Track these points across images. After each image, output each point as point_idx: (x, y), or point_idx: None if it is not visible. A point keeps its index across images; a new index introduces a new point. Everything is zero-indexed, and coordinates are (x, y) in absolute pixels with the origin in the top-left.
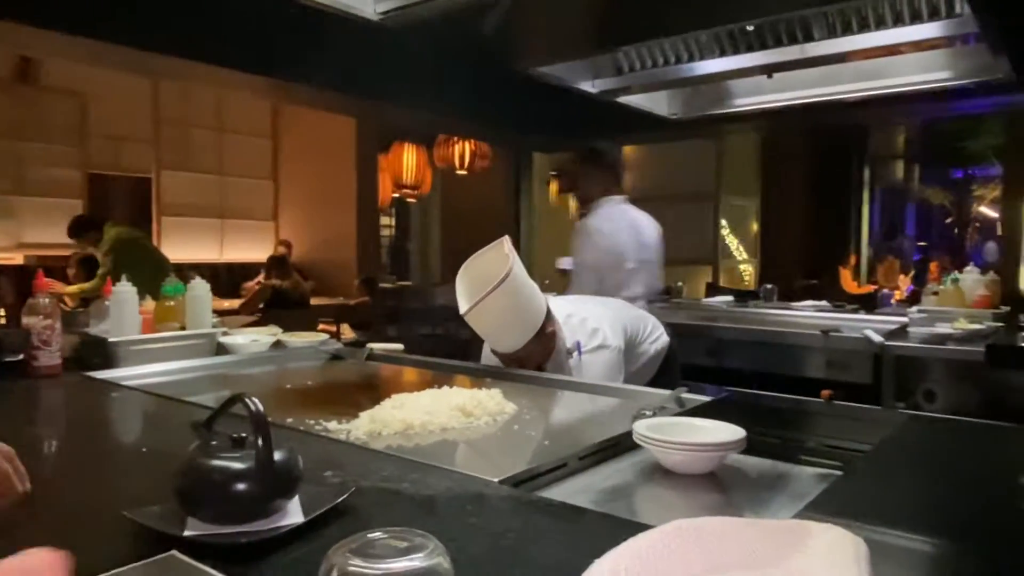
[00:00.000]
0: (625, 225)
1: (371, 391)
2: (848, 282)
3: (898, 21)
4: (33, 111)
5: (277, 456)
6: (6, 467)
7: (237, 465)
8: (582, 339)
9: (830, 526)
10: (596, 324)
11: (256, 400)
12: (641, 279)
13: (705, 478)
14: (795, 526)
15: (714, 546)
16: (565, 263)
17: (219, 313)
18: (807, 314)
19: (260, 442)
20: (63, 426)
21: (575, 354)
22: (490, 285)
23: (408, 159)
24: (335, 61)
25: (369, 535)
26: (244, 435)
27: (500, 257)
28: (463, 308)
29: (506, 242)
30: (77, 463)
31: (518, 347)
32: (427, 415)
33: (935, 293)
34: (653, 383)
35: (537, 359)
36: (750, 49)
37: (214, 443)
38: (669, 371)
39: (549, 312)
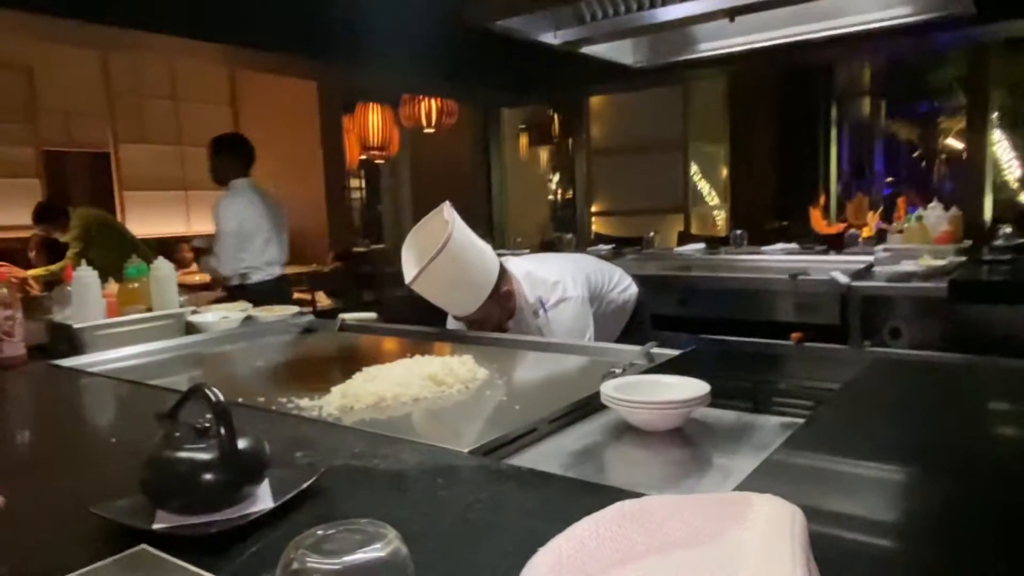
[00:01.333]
0: (256, 202)
1: (344, 364)
2: (818, 222)
3: None
4: None
5: (242, 443)
6: None
7: (202, 455)
8: (543, 295)
9: (770, 497)
10: (556, 277)
11: (216, 390)
12: (273, 249)
13: (672, 434)
14: (737, 498)
15: (656, 526)
16: (198, 241)
17: (191, 287)
18: (776, 258)
19: (223, 431)
20: (30, 418)
21: (540, 312)
22: (432, 252)
23: (374, 119)
24: (291, 23)
25: (319, 531)
26: (208, 424)
27: (441, 223)
28: (408, 278)
29: (446, 208)
30: (45, 456)
31: (472, 310)
32: (399, 387)
33: (900, 231)
34: (623, 335)
35: (496, 320)
36: None
37: (178, 434)
38: (638, 322)
39: (504, 272)
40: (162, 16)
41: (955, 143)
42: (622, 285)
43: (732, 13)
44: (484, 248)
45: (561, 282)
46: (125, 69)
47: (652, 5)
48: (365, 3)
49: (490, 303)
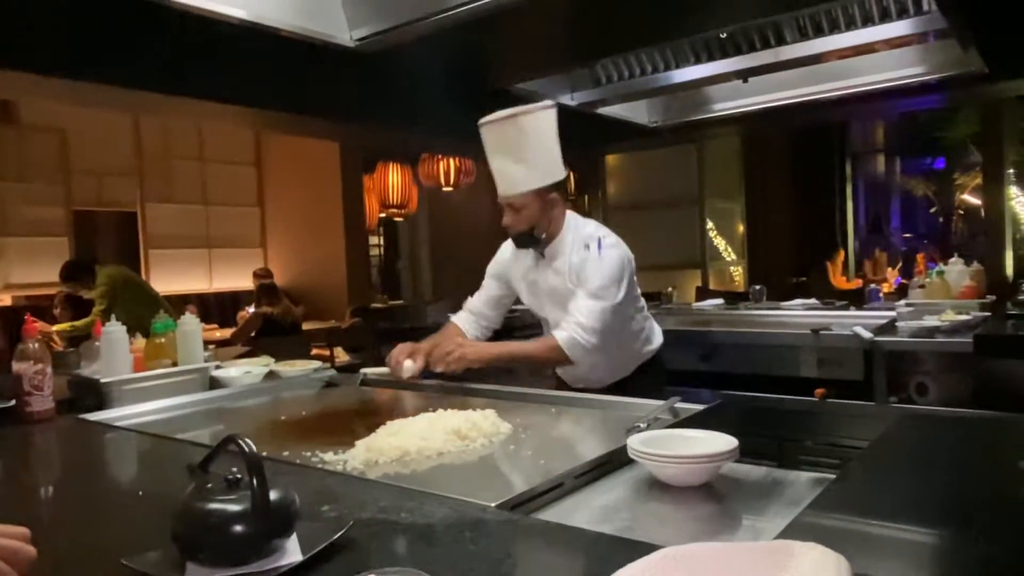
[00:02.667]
0: None
1: (366, 418)
2: (837, 277)
3: (868, 21)
4: (13, 150)
5: (273, 495)
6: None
7: (233, 507)
8: (603, 235)
9: (813, 545)
10: (617, 238)
11: (248, 441)
12: None
13: (701, 489)
14: (780, 547)
15: (702, 571)
16: None
17: (212, 343)
18: (797, 313)
19: (255, 483)
20: (59, 471)
21: (594, 245)
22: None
23: (393, 179)
24: (315, 88)
25: None
26: (239, 475)
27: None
28: (486, 119)
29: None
30: (74, 509)
31: (519, 191)
32: (423, 440)
33: (921, 286)
34: (639, 385)
35: (530, 222)
36: (725, 55)
37: (209, 485)
38: (654, 381)
39: (561, 188)
40: (191, 81)
41: (971, 199)
42: (646, 324)
43: (745, 74)
44: (558, 156)
45: (620, 240)
46: (155, 131)
47: (666, 67)
48: (387, 67)
49: (536, 199)
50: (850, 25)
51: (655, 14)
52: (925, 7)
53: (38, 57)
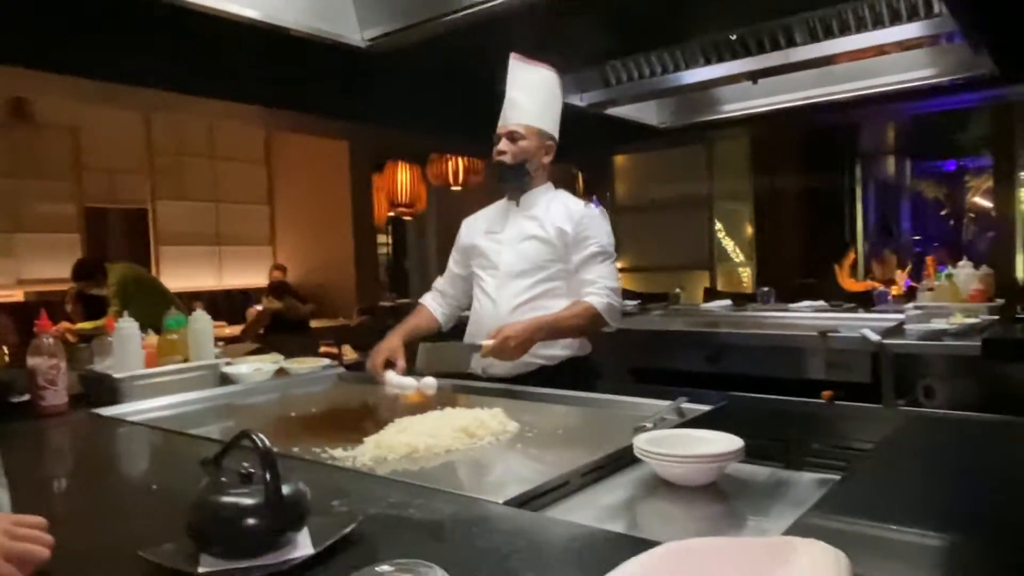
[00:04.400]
0: None
1: (375, 415)
2: (845, 279)
3: (878, 23)
4: (28, 148)
5: (285, 490)
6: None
7: (247, 500)
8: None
9: (813, 541)
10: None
11: (263, 436)
12: None
13: (706, 489)
14: (781, 543)
15: (703, 566)
16: None
17: (221, 340)
18: (805, 315)
19: (268, 477)
20: (73, 465)
21: (589, 205)
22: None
23: (402, 177)
24: (325, 88)
25: (377, 568)
26: (252, 470)
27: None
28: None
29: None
30: (89, 502)
31: (528, 122)
32: (431, 438)
33: (930, 289)
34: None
35: (528, 153)
36: (734, 56)
37: (223, 479)
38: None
39: (555, 147)
40: (202, 80)
41: (983, 201)
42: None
43: (755, 76)
44: (558, 122)
45: None
46: (167, 129)
47: (676, 68)
48: (397, 66)
49: (537, 137)
50: (860, 27)
51: (665, 16)
52: (936, 10)
53: (52, 55)
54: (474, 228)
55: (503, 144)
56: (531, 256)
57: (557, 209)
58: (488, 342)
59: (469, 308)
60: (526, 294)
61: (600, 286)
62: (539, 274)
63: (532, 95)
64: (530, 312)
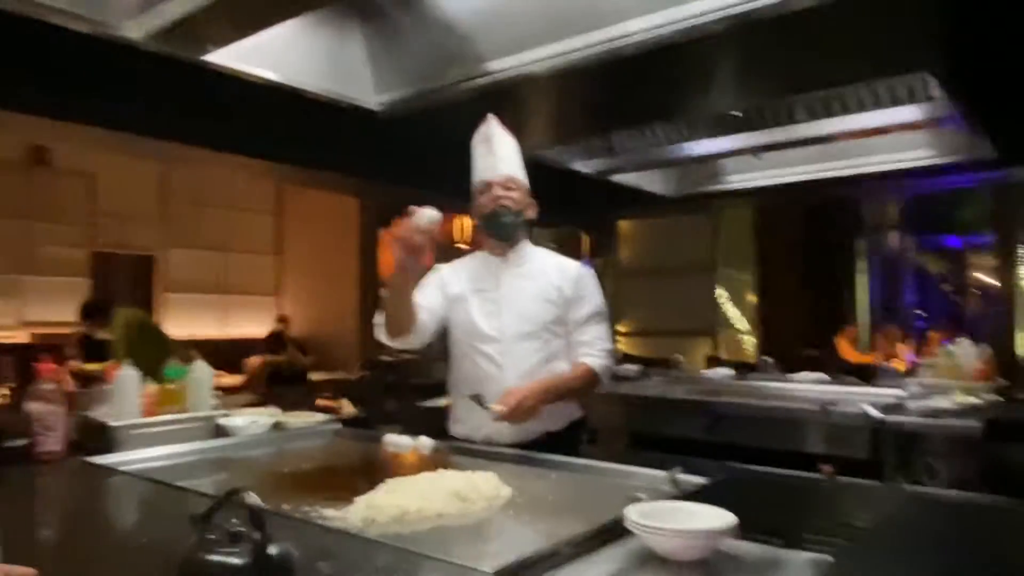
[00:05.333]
0: None
1: (368, 474)
2: (848, 351)
3: (878, 105)
4: (44, 192)
5: (272, 550)
6: None
7: (234, 560)
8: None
9: None
10: None
11: (253, 495)
12: None
13: (698, 565)
14: None
15: None
16: None
17: (220, 389)
18: (806, 387)
19: (256, 537)
20: (64, 515)
21: (581, 263)
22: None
23: None
24: (336, 146)
25: None
26: (241, 529)
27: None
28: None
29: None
30: (80, 554)
31: (513, 171)
32: (423, 500)
33: (931, 366)
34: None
35: (523, 206)
36: (738, 131)
37: (212, 537)
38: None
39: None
40: (217, 135)
41: (986, 278)
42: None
43: (758, 150)
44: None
45: None
46: (181, 178)
47: (681, 140)
48: (408, 129)
49: (525, 192)
50: (860, 108)
51: (671, 92)
52: (934, 93)
53: (72, 106)
54: (456, 278)
55: (499, 191)
56: (535, 318)
57: (551, 267)
58: (498, 407)
59: (428, 339)
60: (534, 357)
61: (598, 348)
62: (544, 335)
63: (513, 155)
64: (540, 376)
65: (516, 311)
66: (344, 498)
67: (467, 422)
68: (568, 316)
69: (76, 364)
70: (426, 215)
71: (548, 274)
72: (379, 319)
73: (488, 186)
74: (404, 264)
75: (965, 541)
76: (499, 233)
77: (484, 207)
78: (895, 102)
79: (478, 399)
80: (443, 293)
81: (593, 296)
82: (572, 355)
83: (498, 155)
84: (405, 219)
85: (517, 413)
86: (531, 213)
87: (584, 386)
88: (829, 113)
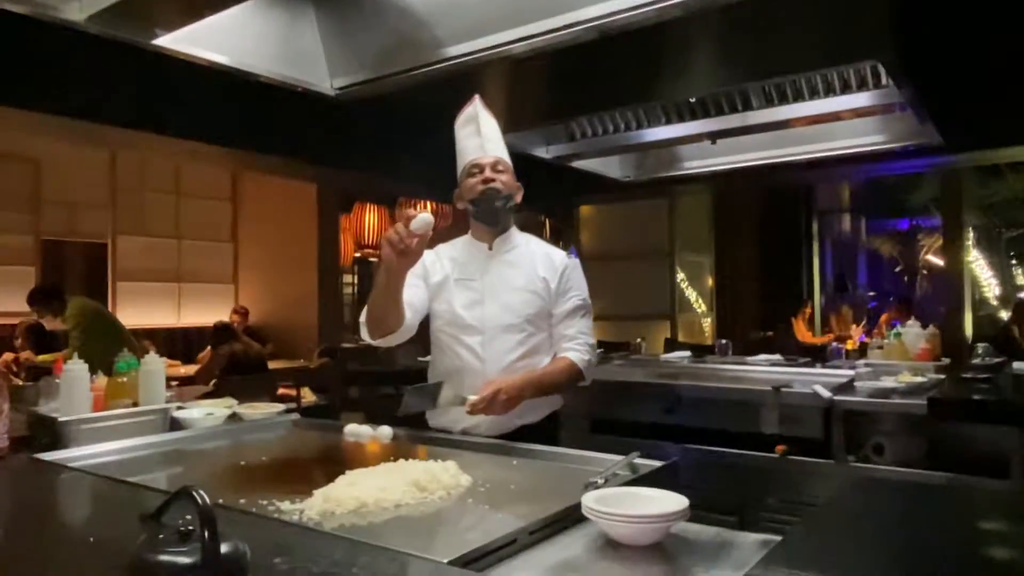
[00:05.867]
0: None
1: (327, 465)
2: (803, 332)
3: (830, 91)
4: None
5: (224, 548)
6: None
7: (184, 560)
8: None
9: None
10: None
11: (203, 493)
12: None
13: (652, 549)
14: None
15: None
16: None
17: (175, 379)
18: (761, 368)
19: (207, 536)
20: (10, 513)
21: (571, 255)
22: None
23: (370, 220)
24: (294, 132)
25: None
26: (192, 527)
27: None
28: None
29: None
30: (21, 553)
31: (501, 153)
32: (381, 492)
33: (880, 347)
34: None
35: (511, 188)
36: (694, 117)
37: (161, 536)
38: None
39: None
40: (169, 120)
41: (935, 259)
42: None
43: (714, 136)
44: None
45: None
46: (131, 164)
47: (639, 126)
48: (366, 114)
49: (512, 175)
50: (813, 95)
51: (629, 79)
52: (883, 81)
53: (12, 90)
54: (438, 266)
55: (490, 172)
56: (518, 309)
57: (538, 256)
58: (473, 397)
59: (413, 332)
60: (517, 351)
61: (581, 342)
62: (528, 328)
63: (499, 137)
64: (521, 370)
65: (499, 302)
66: (302, 491)
67: (445, 415)
68: (553, 308)
69: (29, 355)
70: (422, 219)
71: (534, 264)
72: (363, 318)
73: (478, 168)
74: (394, 267)
75: (909, 519)
76: (489, 218)
77: (473, 190)
78: (846, 89)
79: (455, 399)
80: (426, 284)
81: (578, 289)
82: (555, 348)
83: (485, 136)
84: (399, 221)
85: (493, 407)
86: (518, 197)
87: (566, 381)
88: (783, 100)
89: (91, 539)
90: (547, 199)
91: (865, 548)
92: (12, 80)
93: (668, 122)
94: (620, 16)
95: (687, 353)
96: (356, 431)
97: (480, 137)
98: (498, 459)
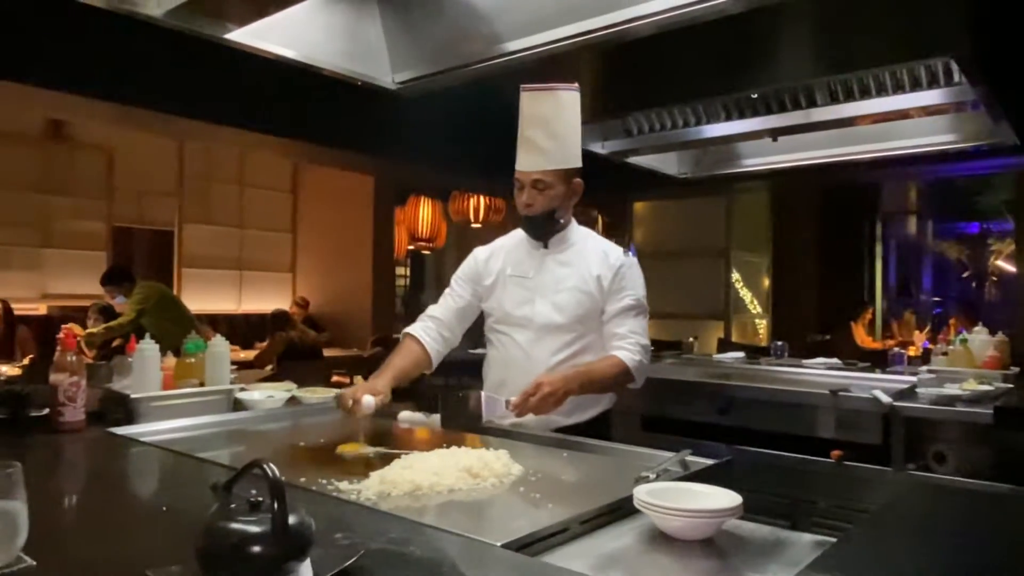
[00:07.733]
0: None
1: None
2: (862, 337)
3: (899, 89)
4: (62, 166)
5: (291, 520)
6: None
7: (254, 528)
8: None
9: None
10: None
11: (273, 466)
12: None
13: (703, 544)
14: None
15: None
16: None
17: (235, 363)
18: (817, 372)
19: (276, 507)
20: (88, 482)
21: (626, 252)
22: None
23: (424, 213)
24: (354, 125)
25: None
26: (261, 498)
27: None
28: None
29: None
30: (100, 520)
31: (546, 167)
32: (435, 476)
33: (945, 353)
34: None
35: (556, 201)
36: (756, 114)
37: (233, 505)
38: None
39: (581, 176)
40: (234, 112)
41: (1006, 265)
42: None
43: (775, 133)
44: (579, 142)
45: None
46: (198, 154)
47: (697, 122)
48: (422, 106)
49: (563, 180)
50: (881, 91)
51: (689, 74)
52: (956, 79)
53: (91, 81)
54: (493, 265)
55: (528, 196)
56: (569, 309)
57: (593, 254)
58: (514, 399)
59: (457, 343)
60: (566, 351)
61: (632, 342)
62: (577, 328)
63: (551, 130)
64: (567, 368)
65: (550, 300)
66: (359, 472)
67: (492, 411)
68: (604, 306)
69: (99, 334)
70: (367, 406)
71: (589, 262)
72: None
73: (519, 183)
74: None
75: (969, 528)
76: (532, 233)
77: (517, 203)
78: (916, 86)
79: (498, 402)
80: (479, 287)
81: (634, 288)
82: (606, 347)
83: (528, 144)
84: (352, 407)
85: (538, 403)
86: (571, 200)
87: (613, 379)
88: (849, 96)
89: (164, 508)
90: (602, 195)
91: (923, 554)
92: (90, 71)
93: (728, 118)
94: (678, 12)
95: (741, 354)
96: (410, 418)
97: (527, 145)
98: (549, 451)
